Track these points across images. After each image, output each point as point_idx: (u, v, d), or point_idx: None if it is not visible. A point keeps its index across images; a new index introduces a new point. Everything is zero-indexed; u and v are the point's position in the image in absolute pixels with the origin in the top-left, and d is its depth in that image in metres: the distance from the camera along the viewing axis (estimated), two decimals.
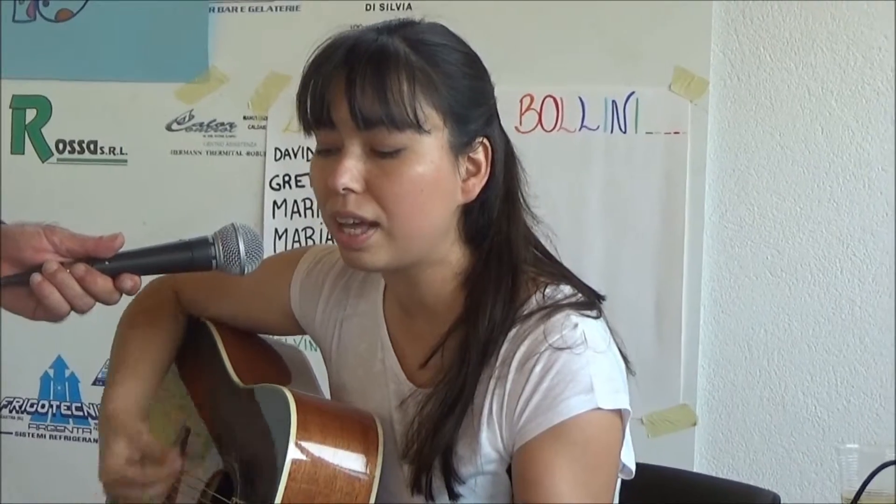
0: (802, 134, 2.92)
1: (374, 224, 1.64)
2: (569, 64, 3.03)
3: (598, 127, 3.02)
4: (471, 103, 1.67)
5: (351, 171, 1.61)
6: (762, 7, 2.94)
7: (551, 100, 3.04)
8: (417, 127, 1.61)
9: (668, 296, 2.95)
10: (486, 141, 1.69)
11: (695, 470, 2.88)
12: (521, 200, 1.75)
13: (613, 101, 3.01)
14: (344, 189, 1.62)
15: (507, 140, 1.75)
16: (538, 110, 3.03)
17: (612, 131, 3.01)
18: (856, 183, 2.89)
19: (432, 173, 1.63)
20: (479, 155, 1.68)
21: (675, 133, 2.96)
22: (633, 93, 2.99)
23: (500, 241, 1.72)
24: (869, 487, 1.76)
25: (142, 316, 2.03)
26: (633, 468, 1.75)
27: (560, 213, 2.83)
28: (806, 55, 2.92)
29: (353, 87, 1.60)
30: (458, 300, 1.73)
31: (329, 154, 1.65)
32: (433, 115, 1.63)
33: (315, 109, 1.64)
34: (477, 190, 1.69)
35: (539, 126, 3.03)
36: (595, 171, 3.01)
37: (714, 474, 2.89)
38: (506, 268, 1.71)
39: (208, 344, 2.02)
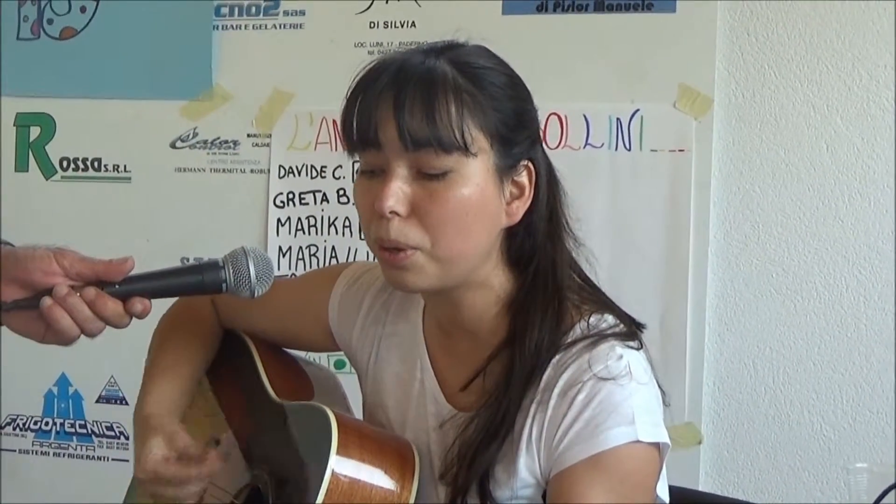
0: (807, 152, 2.93)
1: (417, 248, 1.63)
2: (573, 81, 3.03)
3: (603, 144, 3.02)
4: (516, 126, 1.66)
5: (397, 193, 1.61)
6: (767, 25, 2.94)
7: (556, 117, 3.04)
8: (465, 149, 1.60)
9: (673, 314, 2.95)
10: (529, 164, 1.68)
11: (700, 488, 2.87)
12: (565, 224, 1.75)
13: (618, 119, 3.01)
14: (390, 213, 1.61)
15: (549, 163, 1.74)
16: (542, 128, 3.01)
17: (616, 149, 3.01)
18: (861, 201, 2.89)
19: (478, 196, 1.62)
20: (523, 178, 1.67)
21: (680, 151, 2.96)
22: (637, 110, 2.99)
23: (546, 265, 1.71)
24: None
25: (179, 323, 2.03)
26: (667, 501, 1.74)
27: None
28: (811, 73, 2.92)
29: (402, 108, 1.60)
30: (501, 324, 1.72)
31: (374, 176, 1.65)
32: (480, 138, 1.62)
33: (362, 130, 1.63)
34: (521, 213, 1.68)
35: (543, 143, 3.01)
36: (599, 189, 3.01)
37: (719, 493, 2.88)
38: (551, 292, 1.70)
39: (244, 357, 2.02)
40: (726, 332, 2.97)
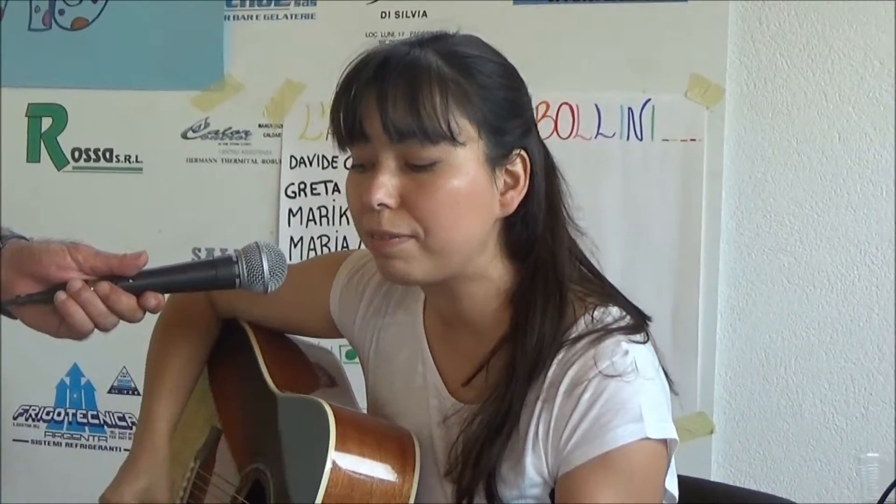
0: (819, 141, 2.92)
1: (410, 237, 1.62)
2: (585, 71, 3.03)
3: (615, 134, 3.01)
4: (506, 114, 1.63)
5: (385, 186, 1.59)
6: (779, 14, 2.93)
7: (567, 107, 3.04)
8: (451, 139, 1.58)
9: (685, 303, 2.95)
10: (523, 153, 1.65)
11: (712, 478, 2.87)
12: (565, 214, 1.72)
13: (629, 109, 3.00)
14: (379, 205, 1.59)
15: (547, 152, 1.72)
16: (554, 117, 3.03)
17: (628, 138, 3.01)
18: (874, 190, 2.88)
19: (468, 186, 1.60)
20: (517, 167, 1.65)
21: (692, 140, 2.96)
22: (649, 100, 2.99)
23: (546, 257, 1.68)
24: (889, 497, 1.76)
25: (179, 321, 2.03)
26: (676, 494, 1.72)
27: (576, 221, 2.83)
28: (823, 61, 2.91)
29: (385, 100, 1.58)
30: (503, 317, 1.70)
31: (364, 169, 1.63)
32: (467, 127, 1.60)
33: (348, 124, 1.62)
34: (515, 203, 1.66)
35: (555, 133, 3.02)
36: (611, 179, 3.01)
37: (731, 483, 2.88)
38: (552, 285, 1.67)
39: (244, 347, 2.01)
40: (738, 322, 2.97)
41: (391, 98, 1.58)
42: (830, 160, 2.91)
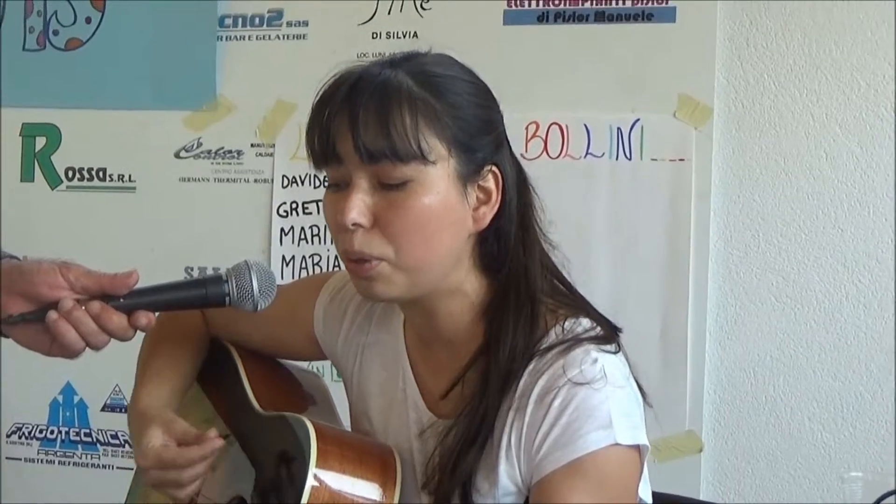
0: (807, 161, 2.94)
1: (382, 259, 1.64)
2: (574, 91, 3.04)
3: (604, 154, 3.03)
4: (477, 132, 1.66)
5: (359, 206, 1.62)
6: (766, 34, 2.96)
7: (556, 127, 3.05)
8: (422, 158, 1.61)
9: (674, 322, 2.96)
10: (495, 169, 1.68)
11: (701, 497, 2.89)
12: (537, 228, 1.74)
13: (618, 128, 3.02)
14: (353, 224, 1.62)
15: (519, 168, 1.74)
16: (543, 137, 3.05)
17: (617, 158, 3.02)
18: (860, 209, 2.90)
19: (440, 204, 1.63)
20: (489, 183, 1.68)
21: (680, 160, 2.97)
22: (637, 120, 3.01)
23: (518, 270, 1.70)
24: None
25: (170, 330, 2.02)
26: (650, 502, 1.75)
27: (565, 240, 2.84)
28: (810, 82, 2.94)
29: (357, 122, 1.61)
30: (477, 331, 1.72)
31: (339, 188, 1.66)
32: (437, 146, 1.62)
33: (322, 145, 1.65)
34: (488, 218, 1.68)
35: (545, 153, 3.04)
36: (600, 198, 3.03)
37: (720, 501, 2.89)
38: (524, 297, 1.69)
39: (229, 368, 2.01)
40: (727, 341, 2.98)
41: (362, 120, 1.60)
42: (818, 180, 2.93)
